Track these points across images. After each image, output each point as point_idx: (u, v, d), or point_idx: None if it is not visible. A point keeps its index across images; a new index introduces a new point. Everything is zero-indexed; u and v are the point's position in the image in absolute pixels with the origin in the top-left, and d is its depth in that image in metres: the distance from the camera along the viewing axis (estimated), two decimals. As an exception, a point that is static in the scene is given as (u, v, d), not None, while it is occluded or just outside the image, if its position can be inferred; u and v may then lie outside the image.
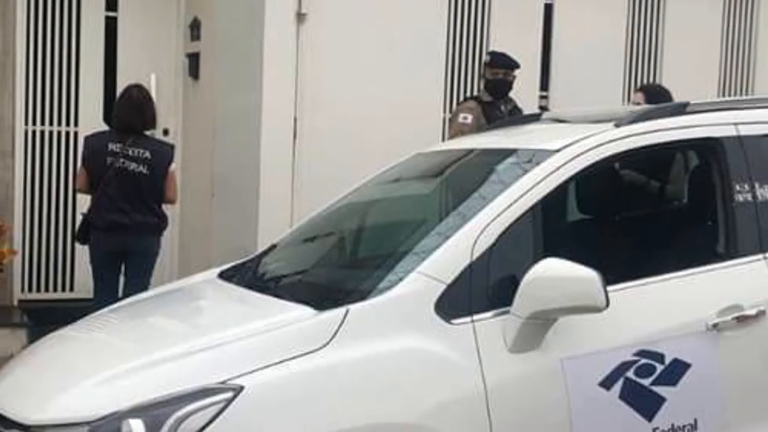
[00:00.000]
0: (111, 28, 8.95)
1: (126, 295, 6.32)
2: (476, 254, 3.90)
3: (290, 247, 5.12)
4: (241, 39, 8.30)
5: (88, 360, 4.09)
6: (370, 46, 8.65)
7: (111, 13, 8.95)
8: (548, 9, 9.42)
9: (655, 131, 4.41)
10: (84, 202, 7.50)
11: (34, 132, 8.77)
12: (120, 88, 7.70)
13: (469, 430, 3.74)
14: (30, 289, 8.82)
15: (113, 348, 4.25)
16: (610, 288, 3.78)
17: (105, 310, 4.99)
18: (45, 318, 7.24)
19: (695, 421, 4.11)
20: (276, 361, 3.61)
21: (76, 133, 8.76)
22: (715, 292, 4.24)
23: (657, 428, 4.03)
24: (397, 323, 3.78)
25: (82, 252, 7.60)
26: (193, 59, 8.77)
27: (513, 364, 3.84)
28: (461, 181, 4.95)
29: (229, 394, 3.50)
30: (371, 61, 8.64)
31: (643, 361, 4.02)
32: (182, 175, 8.26)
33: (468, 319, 3.84)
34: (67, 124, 8.85)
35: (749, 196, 4.41)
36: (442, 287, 3.84)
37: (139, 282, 6.84)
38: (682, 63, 9.73)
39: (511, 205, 4.02)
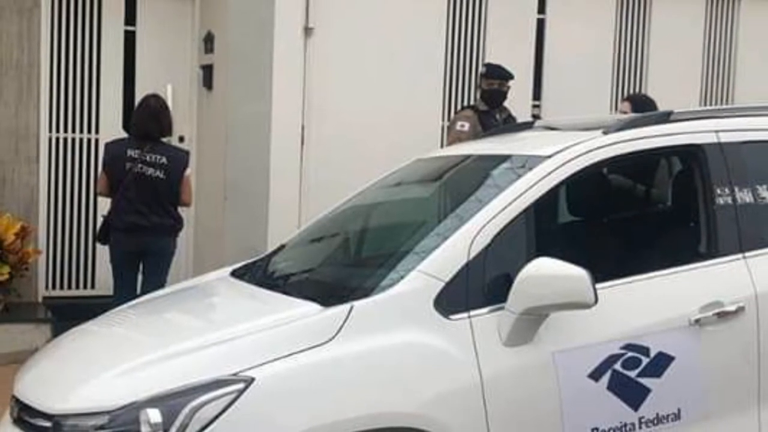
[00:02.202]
0: (130, 41, 8.95)
1: (144, 292, 6.32)
2: (473, 254, 3.90)
3: (298, 247, 5.12)
4: (252, 52, 8.30)
5: (108, 353, 4.09)
6: (373, 58, 8.66)
7: (130, 28, 8.95)
8: (540, 24, 9.43)
9: (641, 138, 4.40)
10: (104, 204, 7.49)
11: (57, 139, 8.76)
12: (138, 97, 7.70)
13: (466, 419, 3.74)
14: (54, 287, 8.82)
15: (132, 342, 4.26)
16: (598, 285, 3.78)
17: (124, 306, 4.98)
18: (68, 313, 7.22)
19: (678, 410, 4.10)
20: (285, 354, 3.61)
21: (97, 140, 8.75)
22: (697, 290, 4.23)
23: (643, 417, 4.03)
24: (398, 319, 3.78)
25: (103, 252, 7.60)
26: (207, 71, 8.77)
27: (507, 357, 3.84)
28: (459, 185, 4.94)
29: (241, 385, 3.51)
30: (374, 72, 8.65)
31: (630, 354, 4.02)
32: (196, 180, 8.25)
33: (465, 314, 3.83)
34: (89, 131, 8.84)
35: (729, 200, 4.40)
36: (441, 285, 3.84)
37: (157, 280, 6.84)
38: (666, 74, 9.73)
39: (505, 207, 4.02)
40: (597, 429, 3.96)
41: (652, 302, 4.15)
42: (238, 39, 8.28)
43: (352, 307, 3.78)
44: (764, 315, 4.27)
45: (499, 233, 3.96)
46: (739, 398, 4.26)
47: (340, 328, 3.71)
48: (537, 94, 9.43)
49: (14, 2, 8.38)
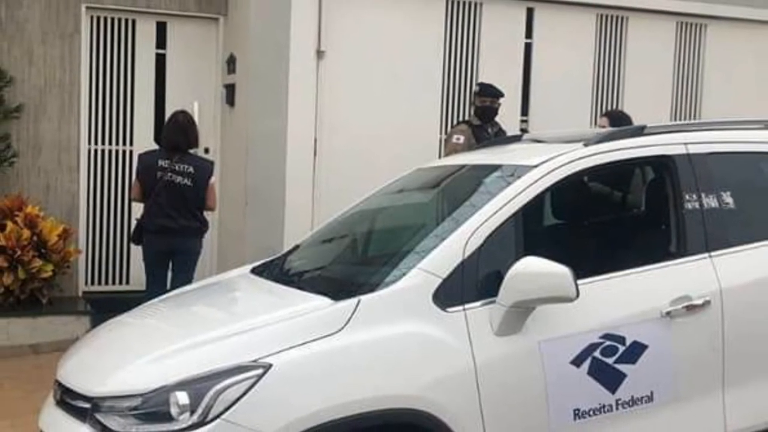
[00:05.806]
0: (160, 63, 8.97)
1: (173, 288, 6.32)
2: (467, 253, 3.90)
3: (311, 247, 5.12)
4: (270, 72, 8.31)
5: (141, 342, 4.09)
6: (379, 78, 8.67)
7: (160, 51, 8.97)
8: (528, 48, 9.42)
9: (618, 150, 4.40)
10: (138, 209, 7.52)
11: (95, 150, 8.78)
12: (168, 113, 7.71)
13: (461, 401, 3.74)
14: (92, 282, 8.83)
15: (162, 332, 4.25)
16: (579, 281, 3.78)
17: (155, 300, 4.99)
18: (105, 306, 7.22)
19: (651, 393, 4.11)
20: (299, 342, 3.61)
21: (131, 152, 8.77)
22: (668, 285, 4.23)
23: (619, 399, 4.03)
24: (400, 311, 3.78)
25: (136, 251, 7.60)
26: (230, 89, 8.78)
27: (498, 346, 3.83)
28: (455, 191, 4.94)
29: (260, 371, 3.51)
30: (379, 90, 8.66)
31: (608, 343, 4.02)
32: (220, 187, 8.27)
33: (460, 307, 3.83)
34: (124, 143, 8.86)
35: (697, 205, 4.41)
36: (439, 281, 3.84)
37: (184, 276, 6.84)
38: (640, 92, 9.73)
39: (496, 211, 4.02)
40: (578, 410, 3.97)
41: (627, 296, 4.15)
42: (257, 61, 8.29)
43: (359, 301, 3.78)
44: (728, 308, 4.28)
45: (490, 235, 3.96)
46: (706, 383, 4.27)
47: (349, 320, 3.71)
48: (525, 110, 9.42)
49: (57, 28, 8.42)
